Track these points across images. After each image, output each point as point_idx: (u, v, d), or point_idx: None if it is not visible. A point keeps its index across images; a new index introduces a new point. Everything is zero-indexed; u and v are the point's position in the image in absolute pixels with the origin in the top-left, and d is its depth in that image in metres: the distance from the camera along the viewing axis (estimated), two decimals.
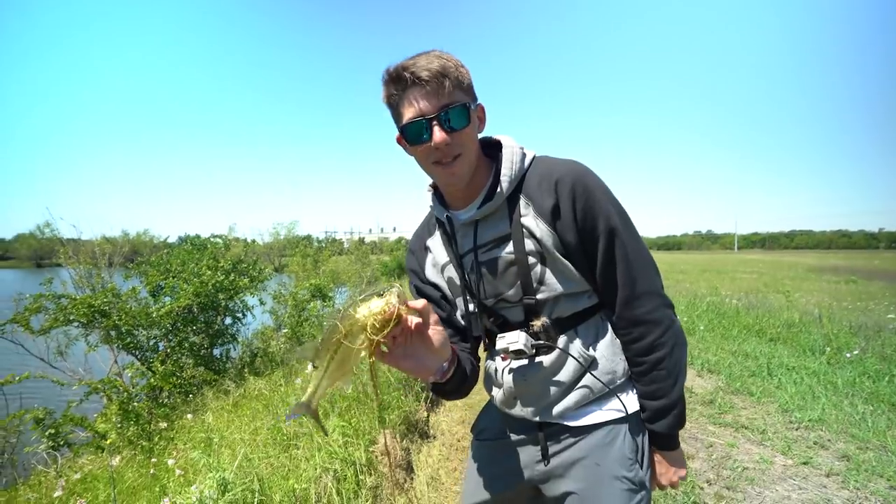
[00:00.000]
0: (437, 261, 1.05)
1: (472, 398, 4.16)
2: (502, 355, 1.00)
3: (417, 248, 1.12)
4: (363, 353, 0.74)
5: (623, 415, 0.95)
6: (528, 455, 1.04)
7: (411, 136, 0.88)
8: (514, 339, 0.95)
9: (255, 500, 2.13)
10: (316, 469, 2.37)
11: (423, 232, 1.11)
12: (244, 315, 5.90)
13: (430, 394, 3.98)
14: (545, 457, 1.00)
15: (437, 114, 0.84)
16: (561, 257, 0.91)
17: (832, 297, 10.66)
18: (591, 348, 0.96)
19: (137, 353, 4.67)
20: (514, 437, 1.07)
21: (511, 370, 1.00)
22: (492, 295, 0.98)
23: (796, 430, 3.22)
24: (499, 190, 0.92)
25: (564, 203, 0.88)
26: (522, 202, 0.92)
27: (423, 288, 1.10)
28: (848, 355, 4.72)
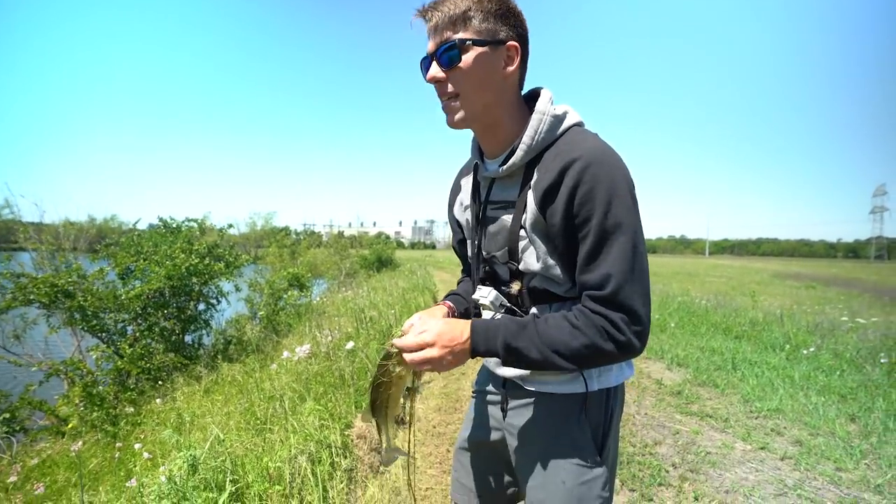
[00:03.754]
0: (463, 201, 1.09)
1: (449, 387, 4.19)
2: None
3: (455, 183, 1.16)
4: (406, 385, 0.95)
5: (582, 391, 0.93)
6: (496, 408, 1.10)
7: (421, 69, 0.91)
8: (484, 294, 0.97)
9: (227, 479, 2.11)
10: (290, 450, 2.36)
11: (464, 168, 1.14)
12: (218, 301, 5.76)
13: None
14: (504, 411, 1.04)
15: (435, 51, 0.86)
16: (539, 239, 0.87)
17: (793, 300, 11.19)
18: None
19: (104, 335, 4.50)
20: (490, 389, 1.13)
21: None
22: (486, 249, 1.02)
23: (756, 418, 3.38)
24: (513, 159, 0.90)
25: (565, 186, 0.81)
26: (537, 174, 0.86)
27: (451, 221, 1.18)
28: (805, 352, 4.97)
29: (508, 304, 0.96)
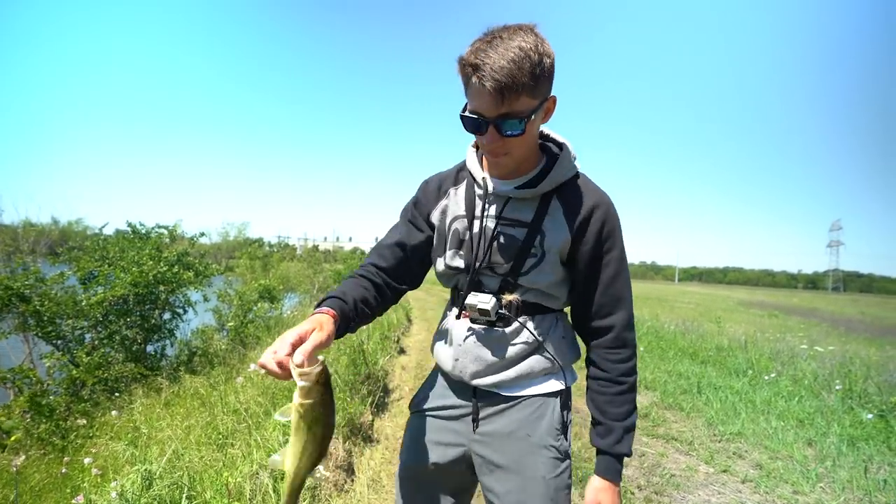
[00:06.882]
0: (451, 210, 1.08)
1: None
2: (465, 312, 1.05)
3: (435, 188, 1.13)
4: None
5: (556, 390, 1.03)
6: (461, 422, 1.08)
7: (468, 125, 0.92)
8: (485, 300, 1.00)
9: (184, 495, 2.01)
10: (252, 465, 2.27)
11: (450, 179, 1.13)
12: (185, 311, 5.55)
13: (375, 398, 3.92)
14: (475, 421, 1.05)
15: (494, 119, 0.86)
16: (559, 262, 0.99)
17: (756, 327, 11.59)
18: (543, 336, 1.03)
19: (60, 343, 4.26)
20: (449, 404, 1.10)
21: (470, 329, 1.04)
22: (486, 260, 1.02)
23: (719, 441, 3.46)
24: (539, 188, 0.98)
25: (595, 222, 0.97)
26: (554, 203, 0.99)
27: (415, 220, 1.13)
28: (766, 378, 5.15)
29: (502, 312, 1.01)
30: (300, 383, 0.74)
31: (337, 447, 2.87)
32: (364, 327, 5.68)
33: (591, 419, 1.04)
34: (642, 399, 4.51)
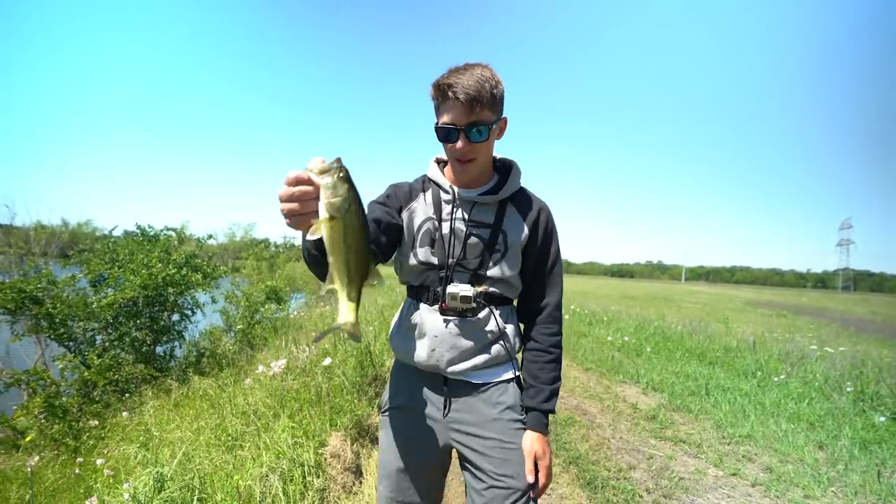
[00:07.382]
0: (420, 211, 1.23)
1: None
2: (443, 303, 1.17)
3: (406, 190, 1.27)
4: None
5: (513, 376, 1.23)
6: (437, 414, 1.21)
7: (441, 135, 1.12)
8: (466, 290, 1.15)
9: (195, 497, 2.03)
10: (262, 467, 2.29)
11: (417, 186, 1.29)
12: (193, 312, 5.60)
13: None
14: (446, 407, 1.20)
15: (464, 126, 1.07)
16: (519, 255, 1.20)
17: (765, 328, 11.49)
18: (504, 324, 1.21)
19: (71, 344, 4.32)
20: (423, 399, 1.23)
21: (446, 320, 1.17)
22: (458, 257, 1.18)
23: (728, 444, 3.43)
24: (500, 195, 1.19)
25: (542, 222, 1.22)
26: (510, 208, 1.21)
27: (389, 209, 1.21)
28: (776, 379, 5.10)
29: (480, 300, 1.18)
30: (324, 181, 0.75)
31: (345, 449, 2.88)
32: (370, 328, 5.69)
33: (524, 384, 1.24)
34: (649, 401, 4.49)
